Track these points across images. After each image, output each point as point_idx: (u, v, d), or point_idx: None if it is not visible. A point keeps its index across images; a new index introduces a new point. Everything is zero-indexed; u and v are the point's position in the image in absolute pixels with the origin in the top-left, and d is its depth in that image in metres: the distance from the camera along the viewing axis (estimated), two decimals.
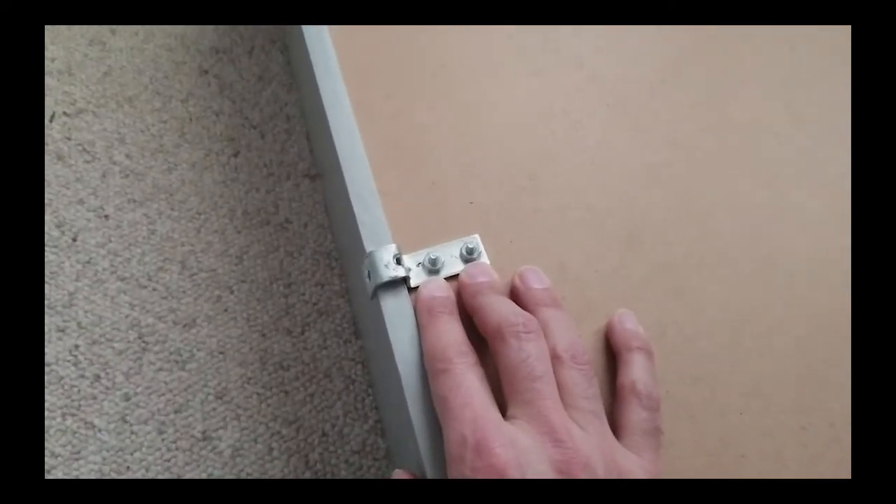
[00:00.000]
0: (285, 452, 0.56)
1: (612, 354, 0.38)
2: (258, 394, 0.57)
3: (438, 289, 0.37)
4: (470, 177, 0.43)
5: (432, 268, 0.39)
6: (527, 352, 0.33)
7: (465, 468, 0.30)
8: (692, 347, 0.39)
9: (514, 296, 0.38)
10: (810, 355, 0.38)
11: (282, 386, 0.58)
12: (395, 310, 0.38)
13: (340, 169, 0.42)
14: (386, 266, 0.38)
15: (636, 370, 0.36)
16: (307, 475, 0.55)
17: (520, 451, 0.30)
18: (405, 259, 0.39)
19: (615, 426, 0.35)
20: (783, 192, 0.43)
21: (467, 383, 0.32)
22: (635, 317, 0.38)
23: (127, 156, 0.67)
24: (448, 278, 0.39)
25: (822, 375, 0.38)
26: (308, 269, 0.62)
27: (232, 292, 0.61)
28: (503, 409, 0.33)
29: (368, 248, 0.39)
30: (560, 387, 0.34)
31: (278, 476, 0.55)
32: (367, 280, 0.39)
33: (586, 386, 0.34)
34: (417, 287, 0.38)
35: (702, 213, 0.42)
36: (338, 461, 0.55)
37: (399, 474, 0.36)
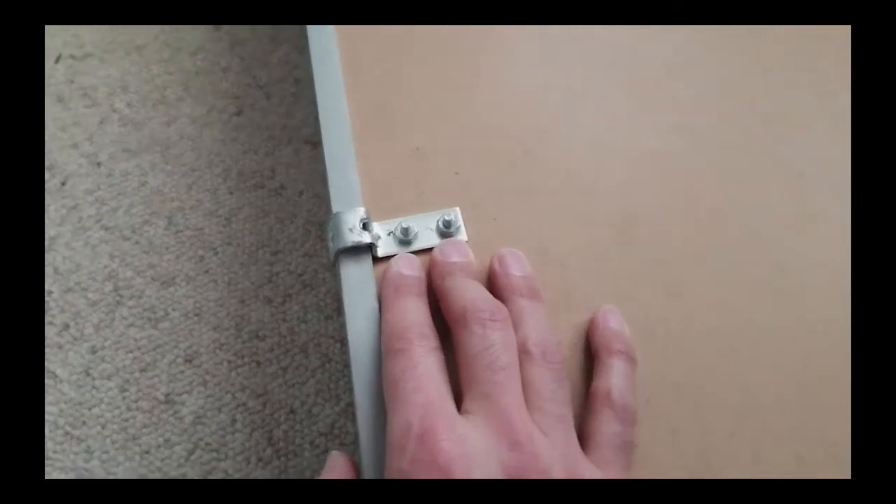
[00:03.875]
0: (249, 426, 0.53)
1: (589, 355, 0.34)
2: (229, 361, 0.55)
3: (409, 266, 0.34)
4: (458, 146, 0.39)
5: (404, 238, 0.35)
6: (490, 340, 0.30)
7: (404, 460, 0.27)
8: (681, 352, 0.35)
9: (491, 280, 0.35)
10: (815, 374, 0.34)
11: (254, 356, 0.55)
12: (356, 279, 0.34)
13: (320, 126, 0.39)
14: (350, 230, 0.34)
15: (614, 376, 0.32)
16: (268, 452, 0.52)
17: (469, 449, 0.26)
18: (375, 226, 0.35)
19: (583, 436, 0.31)
20: (802, 195, 0.39)
21: (423, 367, 0.29)
22: (621, 316, 0.35)
23: (128, 104, 0.64)
24: (420, 252, 0.35)
25: (828, 399, 0.34)
26: (298, 238, 0.59)
27: (216, 254, 0.58)
28: (459, 403, 0.30)
29: (335, 209, 0.36)
30: (526, 385, 0.30)
31: (238, 449, 0.52)
32: (330, 244, 0.36)
33: (555, 387, 0.30)
34: (384, 258, 0.35)
35: (707, 207, 0.38)
36: (303, 441, 0.52)
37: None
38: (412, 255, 0.35)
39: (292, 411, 0.53)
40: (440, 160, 0.38)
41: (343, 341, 0.56)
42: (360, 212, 0.35)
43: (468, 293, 0.31)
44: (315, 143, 0.65)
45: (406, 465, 0.26)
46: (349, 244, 0.34)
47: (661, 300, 0.35)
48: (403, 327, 0.31)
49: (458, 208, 0.37)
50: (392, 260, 0.34)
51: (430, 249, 0.35)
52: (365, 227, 0.35)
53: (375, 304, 0.34)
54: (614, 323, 0.34)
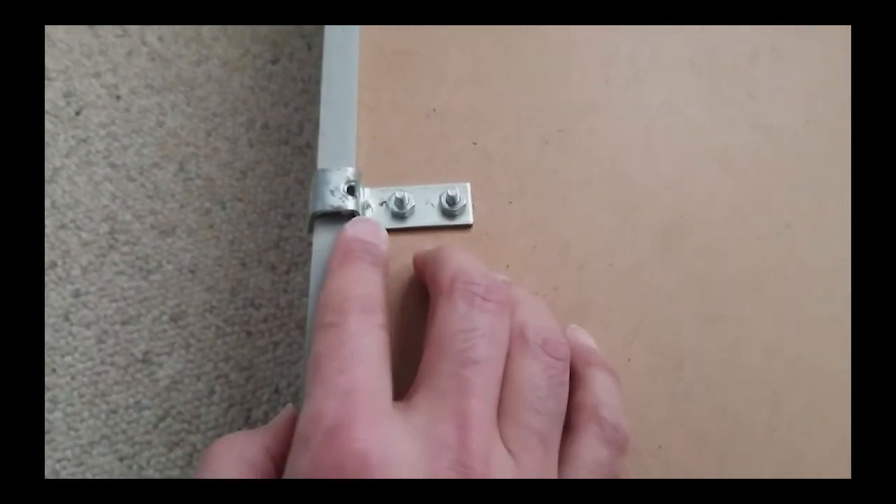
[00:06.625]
0: (227, 400, 0.48)
1: None
2: (217, 327, 0.50)
3: (370, 232, 0.27)
4: (482, 111, 0.33)
5: (398, 210, 0.30)
6: (473, 323, 0.23)
7: (305, 459, 0.20)
8: (712, 399, 0.28)
9: None
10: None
11: (246, 325, 0.50)
12: (329, 251, 0.28)
13: (322, 65, 0.33)
14: (332, 192, 0.29)
15: (599, 389, 0.25)
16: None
17: (391, 456, 0.20)
18: (366, 192, 0.30)
19: (558, 461, 0.24)
20: None
21: (356, 344, 0.23)
22: (592, 337, 0.28)
23: (159, 38, 0.60)
24: (417, 231, 0.29)
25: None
26: None
27: (224, 208, 0.54)
28: (402, 394, 0.24)
29: (321, 164, 0.30)
30: (508, 382, 0.23)
31: (211, 423, 0.47)
32: (309, 206, 0.30)
33: (545, 393, 0.23)
34: None
35: (779, 222, 0.31)
36: None
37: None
38: (377, 222, 0.28)
39: (277, 391, 0.48)
40: (458, 126, 0.32)
41: (300, 325, 0.50)
42: (349, 172, 0.29)
43: (464, 262, 0.25)
44: None
45: (306, 466, 0.20)
46: (328, 208, 0.29)
47: (695, 328, 0.28)
48: (343, 298, 0.24)
49: (468, 184, 0.31)
50: (349, 222, 0.28)
51: (428, 228, 0.29)
52: (351, 191, 0.29)
53: None
54: (584, 339, 0.28)
